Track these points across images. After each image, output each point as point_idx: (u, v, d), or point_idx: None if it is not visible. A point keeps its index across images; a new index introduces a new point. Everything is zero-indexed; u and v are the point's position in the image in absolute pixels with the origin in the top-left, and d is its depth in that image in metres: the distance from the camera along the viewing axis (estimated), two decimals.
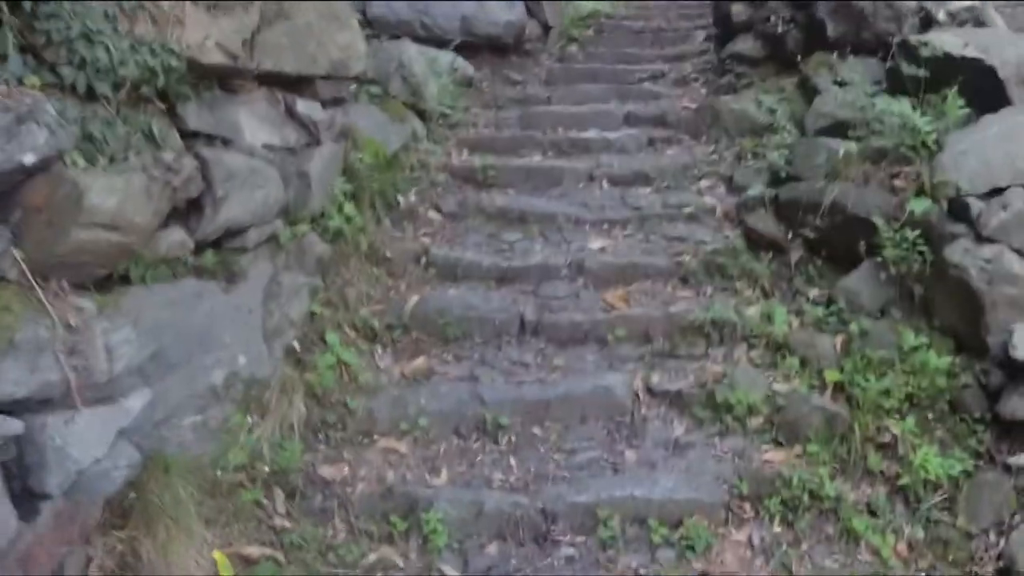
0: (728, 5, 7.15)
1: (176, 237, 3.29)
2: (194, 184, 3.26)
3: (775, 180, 4.85)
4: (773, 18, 6.46)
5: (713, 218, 4.95)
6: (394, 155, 5.37)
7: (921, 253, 3.71)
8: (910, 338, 3.53)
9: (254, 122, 3.71)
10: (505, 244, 4.77)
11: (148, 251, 3.19)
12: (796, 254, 4.36)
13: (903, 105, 4.03)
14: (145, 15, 2.73)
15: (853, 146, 4.47)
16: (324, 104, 4.23)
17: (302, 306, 3.93)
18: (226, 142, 3.58)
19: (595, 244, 4.73)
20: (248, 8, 3.16)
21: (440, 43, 7.63)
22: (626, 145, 6.03)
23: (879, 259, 3.85)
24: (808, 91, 5.71)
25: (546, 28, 8.44)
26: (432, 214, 5.12)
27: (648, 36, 8.54)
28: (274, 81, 3.78)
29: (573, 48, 8.34)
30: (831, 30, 5.84)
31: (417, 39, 7.62)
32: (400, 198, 5.12)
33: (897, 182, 4.12)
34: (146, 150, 2.88)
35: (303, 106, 3.94)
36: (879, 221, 3.86)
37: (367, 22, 7.66)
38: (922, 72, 4.55)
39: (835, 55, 5.79)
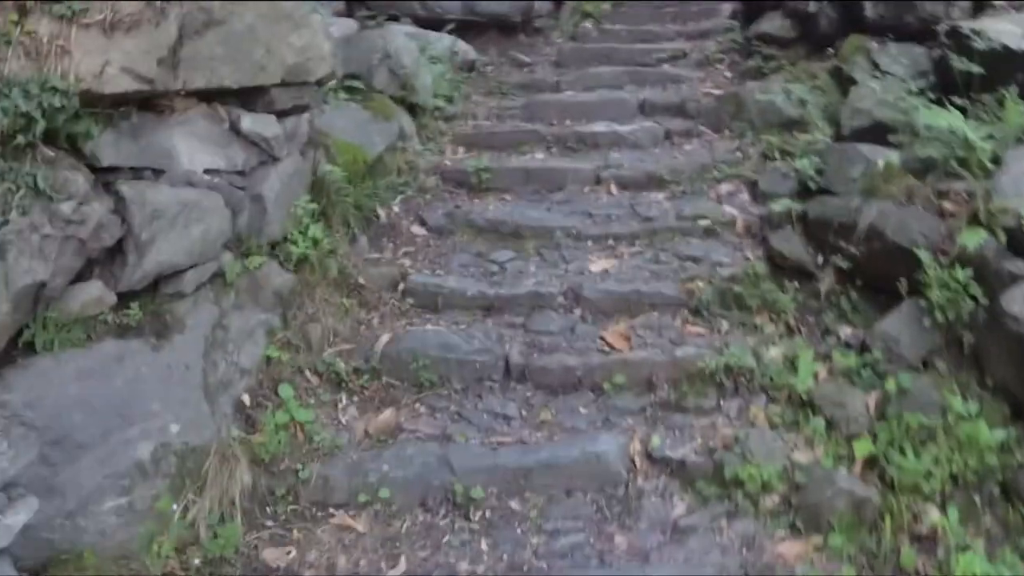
0: None
1: (92, 293, 2.84)
2: (108, 230, 2.79)
3: (804, 191, 4.26)
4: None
5: (733, 233, 4.37)
6: (378, 159, 4.85)
7: (973, 297, 3.14)
8: (957, 403, 2.97)
9: (192, 145, 3.22)
10: (495, 266, 4.25)
11: (59, 311, 2.75)
12: (826, 283, 3.79)
13: (953, 118, 3.41)
14: (16, 51, 2.24)
15: (894, 157, 3.86)
16: (284, 114, 3.72)
17: (256, 350, 3.46)
18: (157, 172, 3.09)
19: (596, 265, 4.19)
20: (160, 22, 2.64)
21: (440, 24, 7.09)
22: (640, 140, 5.44)
23: (923, 301, 3.28)
24: (843, 81, 5.07)
25: (558, 2, 7.80)
26: (416, 229, 4.60)
27: (669, 11, 7.85)
28: (215, 96, 3.27)
29: (587, 25, 7.69)
30: (870, 10, 5.18)
31: (417, 20, 7.09)
32: (381, 211, 4.61)
33: (946, 204, 3.52)
34: (36, 205, 2.40)
35: (251, 121, 3.43)
36: (924, 254, 3.28)
37: (361, 2, 7.13)
38: (975, 67, 3.92)
39: (874, 40, 5.13)
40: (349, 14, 7.05)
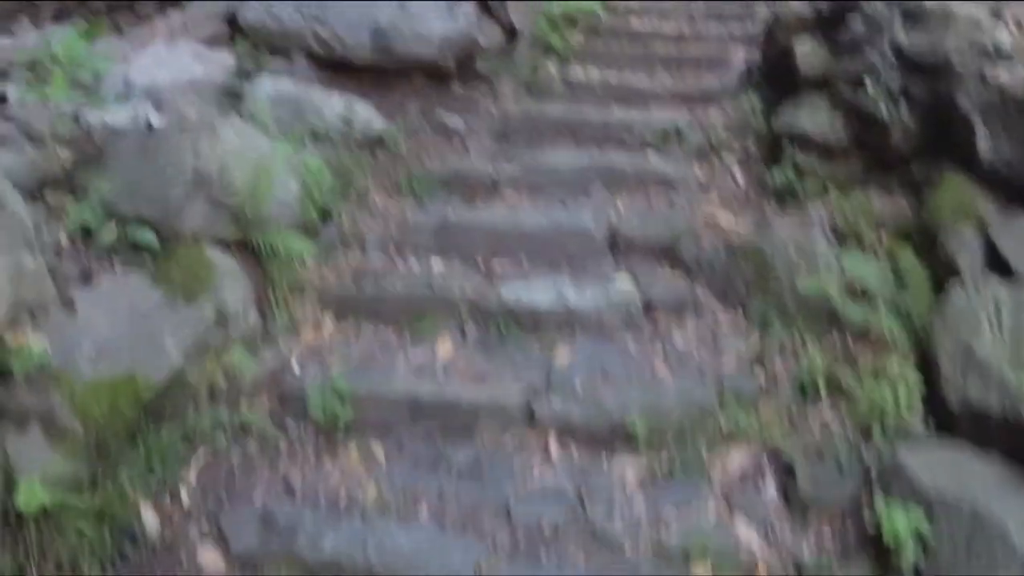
0: (788, 38, 4.41)
1: None
2: None
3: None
4: (871, 84, 3.76)
5: None
6: (170, 385, 2.91)
7: None
8: None
9: None
10: None
11: None
12: None
13: None
14: None
15: None
16: None
17: None
18: None
19: None
20: None
21: (340, 66, 5.03)
22: (604, 321, 3.47)
23: None
24: (937, 263, 3.12)
25: (512, 33, 5.69)
26: (207, 556, 2.64)
27: (661, 52, 5.75)
28: None
29: (550, 68, 5.59)
30: (984, 144, 3.21)
31: (312, 57, 5.04)
32: (149, 514, 2.66)
33: None
34: None
35: None
36: None
37: (240, 32, 5.07)
38: None
39: (989, 195, 3.17)
40: (229, 45, 5.02)
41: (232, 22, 5.18)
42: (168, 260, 3.21)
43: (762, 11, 6.26)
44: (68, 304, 2.84)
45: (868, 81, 3.77)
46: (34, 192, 3.22)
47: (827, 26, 4.22)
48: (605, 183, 4.38)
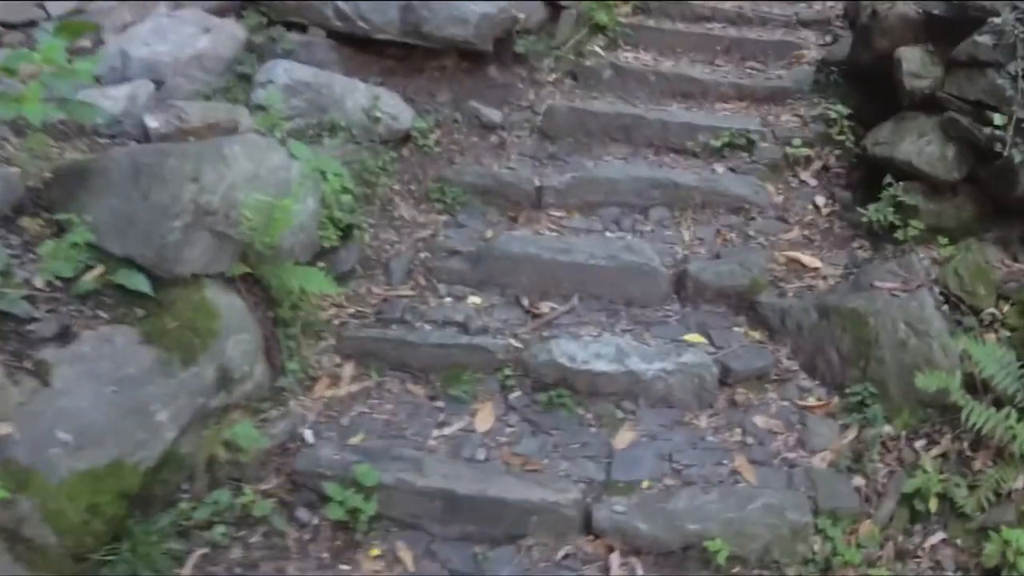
0: (890, 42, 3.79)
1: None
2: None
3: None
4: (997, 114, 3.17)
5: None
6: (161, 463, 2.44)
7: None
8: None
9: None
10: None
11: None
12: None
13: None
14: None
15: None
16: None
17: None
18: None
19: None
20: None
21: (364, 44, 4.41)
22: (673, 393, 2.96)
23: None
24: None
25: (556, 8, 5.01)
26: None
27: (720, 34, 5.08)
28: None
29: (598, 49, 4.93)
30: None
31: (333, 34, 4.42)
32: None
33: None
34: None
35: None
36: None
37: (245, 2, 4.44)
38: None
39: None
40: (239, 15, 4.37)
41: None
42: (163, 310, 2.67)
43: None
44: (42, 374, 2.32)
45: (991, 118, 3.17)
46: (7, 217, 2.67)
47: (941, 35, 3.60)
48: (668, 202, 3.83)
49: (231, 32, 4.20)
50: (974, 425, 2.58)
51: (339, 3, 4.29)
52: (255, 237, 2.87)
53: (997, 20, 3.32)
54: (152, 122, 3.34)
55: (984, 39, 3.32)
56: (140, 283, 2.64)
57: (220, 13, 4.36)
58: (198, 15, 4.24)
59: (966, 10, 3.48)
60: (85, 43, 4.57)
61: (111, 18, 4.68)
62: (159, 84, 3.91)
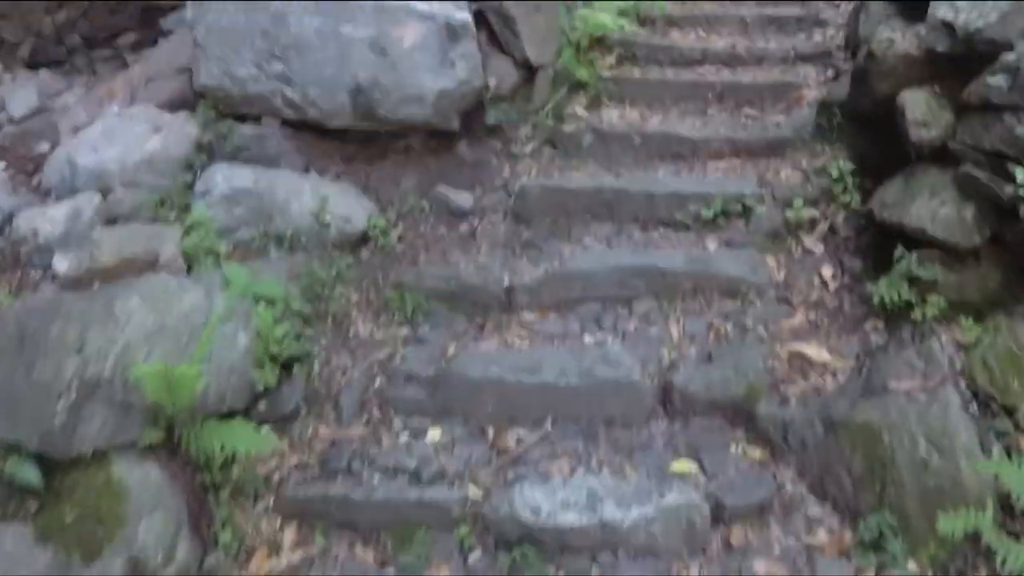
0: (891, 84, 3.32)
1: None
2: None
3: None
4: (1020, 172, 2.67)
5: None
6: None
7: None
8: None
9: None
10: None
11: None
12: None
13: None
14: None
15: None
16: None
17: None
18: None
19: None
20: None
21: (320, 131, 4.11)
22: (656, 545, 2.52)
23: None
24: None
25: (529, 70, 4.62)
26: None
27: (713, 79, 4.61)
28: None
29: (577, 111, 4.52)
30: None
31: (289, 123, 4.13)
32: None
33: None
34: None
35: None
36: None
37: (198, 96, 4.17)
38: None
39: None
40: (192, 108, 4.12)
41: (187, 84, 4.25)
42: (60, 500, 2.36)
43: (829, 13, 5.14)
44: None
45: (1013, 160, 2.68)
46: None
47: (948, 74, 3.11)
48: (654, 292, 3.40)
49: (182, 129, 3.98)
50: (1011, 569, 2.09)
51: (286, 91, 3.99)
52: (163, 399, 2.53)
53: (1010, 56, 2.83)
54: (61, 264, 3.07)
55: (997, 80, 2.84)
56: (30, 476, 2.34)
57: (174, 105, 4.12)
58: (150, 112, 4.03)
59: (974, 45, 2.99)
60: (44, 147, 4.39)
61: (68, 118, 4.50)
62: (107, 194, 3.69)
